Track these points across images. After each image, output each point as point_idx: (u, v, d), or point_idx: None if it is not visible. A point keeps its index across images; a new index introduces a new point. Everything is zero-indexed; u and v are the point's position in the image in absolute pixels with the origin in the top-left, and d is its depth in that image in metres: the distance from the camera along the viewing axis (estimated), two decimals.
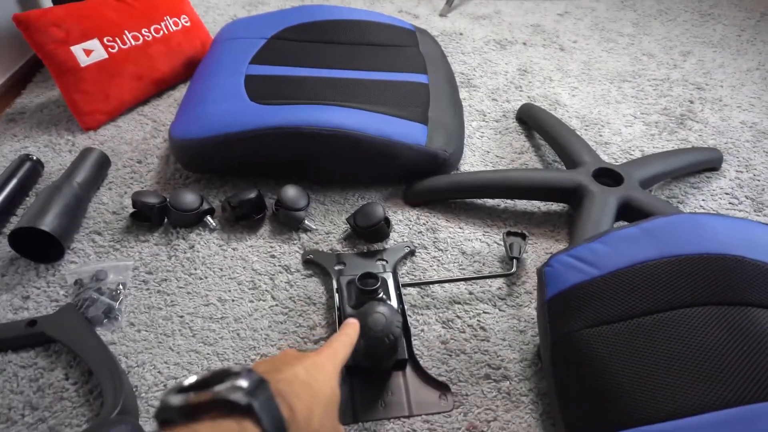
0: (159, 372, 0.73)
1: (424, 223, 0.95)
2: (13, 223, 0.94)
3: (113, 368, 0.69)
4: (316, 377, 0.43)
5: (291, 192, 0.92)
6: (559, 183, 0.93)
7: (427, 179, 0.99)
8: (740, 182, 1.06)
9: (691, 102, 1.31)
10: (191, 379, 0.36)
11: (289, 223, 0.92)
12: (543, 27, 1.69)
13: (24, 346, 0.74)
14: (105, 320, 0.78)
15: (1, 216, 0.93)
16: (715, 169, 1.08)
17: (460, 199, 0.99)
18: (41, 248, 0.87)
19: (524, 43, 1.58)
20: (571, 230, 0.90)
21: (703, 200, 1.01)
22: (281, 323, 0.79)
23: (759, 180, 1.06)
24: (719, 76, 1.42)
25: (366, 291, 0.75)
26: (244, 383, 0.35)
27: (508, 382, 0.72)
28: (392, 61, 1.19)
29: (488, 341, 0.77)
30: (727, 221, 0.71)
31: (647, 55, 1.53)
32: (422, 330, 0.78)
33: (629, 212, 0.89)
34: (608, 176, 0.94)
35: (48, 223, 0.84)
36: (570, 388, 0.65)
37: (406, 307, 0.80)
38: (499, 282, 0.85)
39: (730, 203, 1.01)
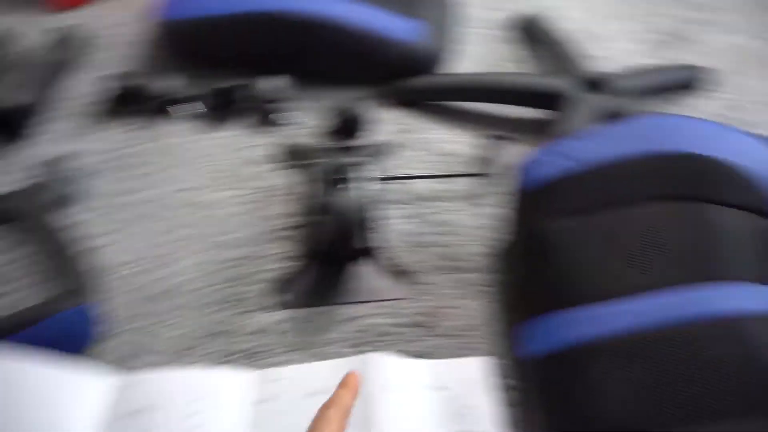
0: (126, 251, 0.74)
1: (408, 123, 0.95)
2: None
3: (65, 248, 0.69)
4: None
5: (272, 83, 0.91)
6: (546, 88, 0.92)
7: (414, 79, 0.97)
8: (725, 103, 1.05)
9: (688, 23, 1.28)
10: None
11: (268, 115, 0.91)
12: None
13: None
14: (73, 200, 0.78)
15: None
16: (701, 88, 1.07)
17: (446, 101, 0.98)
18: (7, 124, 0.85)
19: None
20: (555, 136, 0.90)
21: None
22: (250, 212, 0.80)
23: (743, 102, 1.06)
24: None
25: (338, 180, 0.76)
26: None
27: (472, 274, 0.75)
28: None
29: (458, 236, 0.79)
30: (700, 123, 0.72)
31: None
32: (392, 222, 0.80)
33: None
34: (594, 85, 0.93)
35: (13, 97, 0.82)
36: (533, 274, 0.67)
37: (377, 199, 0.81)
38: (477, 181, 0.86)
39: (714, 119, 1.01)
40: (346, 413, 0.44)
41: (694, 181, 0.67)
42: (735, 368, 0.56)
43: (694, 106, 1.04)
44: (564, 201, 0.67)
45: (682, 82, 1.06)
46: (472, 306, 0.72)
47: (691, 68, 1.09)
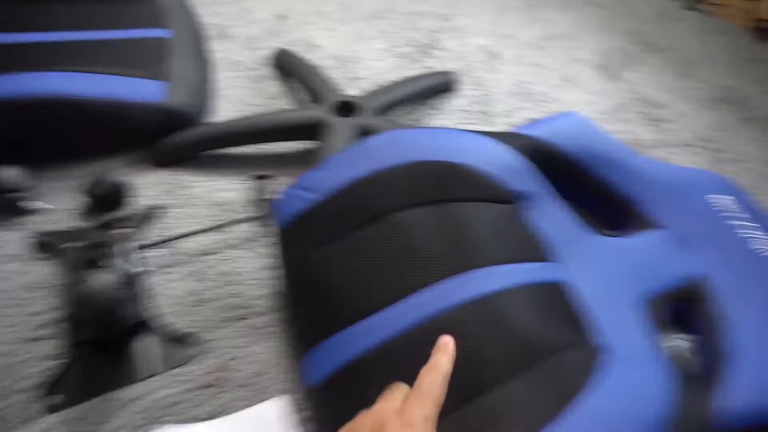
0: None
1: (173, 182, 0.92)
2: None
3: None
4: None
5: (9, 171, 0.83)
6: (301, 120, 0.96)
7: (173, 136, 0.95)
8: (474, 99, 1.17)
9: (437, 32, 1.41)
10: None
11: (9, 207, 0.83)
12: None
13: None
14: None
15: None
16: (451, 90, 1.18)
17: (210, 150, 0.97)
18: None
19: None
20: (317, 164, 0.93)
21: (441, 119, 1.11)
22: (8, 316, 0.73)
23: (489, 96, 1.19)
24: (463, 6, 1.54)
25: (92, 261, 0.72)
26: None
27: (257, 318, 0.75)
28: (123, 16, 1.11)
29: (240, 284, 0.78)
30: (430, 132, 0.79)
31: None
32: (169, 288, 0.77)
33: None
34: (348, 108, 0.99)
35: None
36: (304, 307, 0.69)
37: (152, 267, 0.78)
38: (252, 226, 0.86)
39: (465, 119, 1.12)
40: (446, 377, 0.44)
41: (434, 185, 0.73)
42: (492, 343, 0.61)
43: (445, 107, 1.14)
44: (318, 231, 0.70)
45: (434, 88, 1.16)
46: (263, 350, 0.72)
47: (440, 74, 1.20)
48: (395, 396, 0.45)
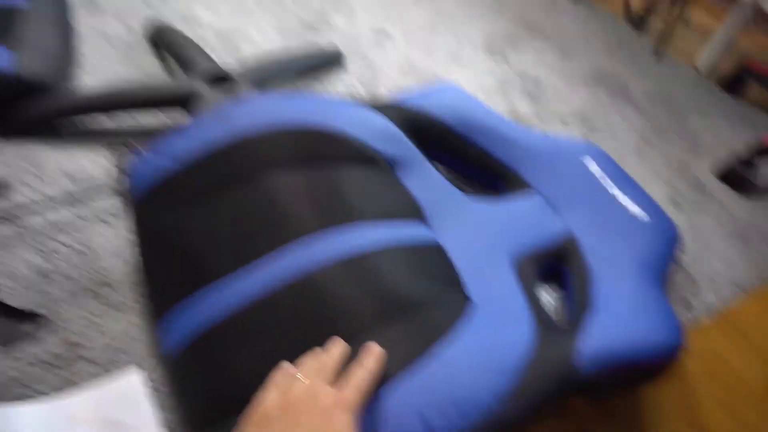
0: None
1: (22, 155, 0.84)
2: None
3: None
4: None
5: None
6: (171, 90, 0.90)
7: (23, 106, 0.86)
8: (360, 76, 1.16)
9: (325, 11, 1.39)
10: None
11: None
12: None
13: None
14: None
15: None
16: (337, 65, 1.17)
17: (68, 119, 0.90)
18: None
19: None
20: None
21: (323, 91, 1.09)
22: None
23: (376, 73, 1.18)
24: None
25: None
26: None
27: (111, 293, 0.69)
28: None
29: (94, 260, 0.72)
30: (296, 97, 0.77)
31: None
32: (11, 265, 0.70)
33: None
34: (223, 80, 0.94)
35: None
36: (158, 275, 0.64)
37: None
38: (109, 198, 0.80)
39: (349, 94, 1.11)
40: (374, 375, 0.51)
41: (303, 147, 0.71)
42: (362, 295, 0.60)
43: (330, 82, 1.13)
44: (176, 196, 0.65)
45: (316, 62, 1.14)
46: (116, 326, 0.66)
47: (323, 48, 1.17)
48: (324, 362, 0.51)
